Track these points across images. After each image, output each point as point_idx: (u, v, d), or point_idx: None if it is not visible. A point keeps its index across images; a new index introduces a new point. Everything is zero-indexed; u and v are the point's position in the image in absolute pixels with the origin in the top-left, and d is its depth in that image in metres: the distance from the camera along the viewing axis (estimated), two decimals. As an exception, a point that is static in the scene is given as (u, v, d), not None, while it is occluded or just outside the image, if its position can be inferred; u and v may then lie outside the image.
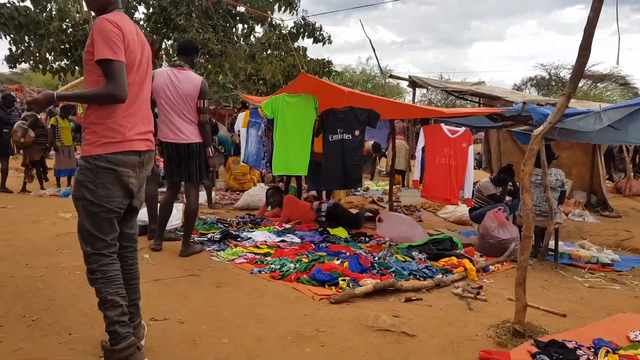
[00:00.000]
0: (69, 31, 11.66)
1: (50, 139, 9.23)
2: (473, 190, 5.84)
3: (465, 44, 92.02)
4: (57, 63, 12.41)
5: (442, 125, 5.54)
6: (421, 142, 5.64)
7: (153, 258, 4.69)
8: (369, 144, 11.41)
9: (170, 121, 4.59)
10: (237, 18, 11.58)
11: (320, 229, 6.34)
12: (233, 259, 4.72)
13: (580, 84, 32.25)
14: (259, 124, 6.92)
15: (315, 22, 12.62)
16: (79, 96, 2.51)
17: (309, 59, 12.10)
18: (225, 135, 10.33)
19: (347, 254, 5.07)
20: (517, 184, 7.06)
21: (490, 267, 4.79)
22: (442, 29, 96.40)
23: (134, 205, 2.68)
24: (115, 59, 2.32)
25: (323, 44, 13.02)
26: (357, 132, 5.80)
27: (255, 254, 4.91)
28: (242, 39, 12.48)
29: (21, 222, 6.14)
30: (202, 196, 7.54)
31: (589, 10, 2.67)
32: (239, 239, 5.50)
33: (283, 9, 12.26)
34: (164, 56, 12.04)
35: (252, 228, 6.33)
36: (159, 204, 5.25)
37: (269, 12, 11.74)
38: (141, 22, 11.85)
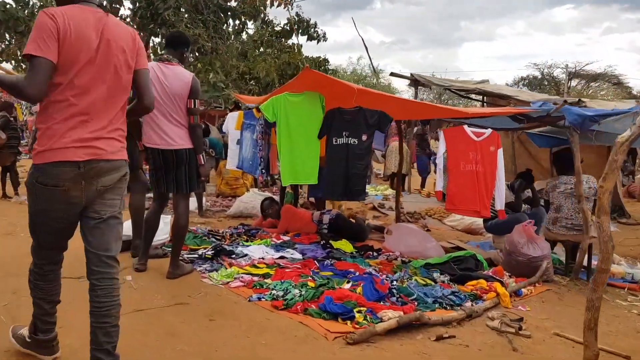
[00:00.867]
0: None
1: (31, 142, 8.53)
2: None
3: (455, 44, 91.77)
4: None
5: (465, 127, 4.93)
6: (442, 148, 5.02)
7: (136, 280, 4.07)
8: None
9: (155, 124, 3.97)
10: (229, 13, 10.97)
11: (322, 242, 5.76)
12: (228, 282, 4.10)
13: (573, 84, 32.14)
14: (253, 126, 6.31)
15: (310, 19, 12.03)
16: (3, 81, 2.23)
17: (304, 57, 11.49)
18: (216, 138, 9.73)
19: (357, 273, 4.48)
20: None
21: (523, 290, 4.21)
22: (431, 29, 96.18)
23: (92, 218, 2.36)
24: (37, 55, 2.11)
25: (318, 42, 12.45)
26: (364, 137, 5.17)
27: (253, 275, 4.29)
28: (233, 35, 11.85)
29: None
30: (193, 203, 6.94)
31: None
32: (233, 256, 4.88)
33: (276, 4, 11.66)
34: (151, 54, 11.41)
35: (247, 241, 5.73)
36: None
37: (262, 8, 11.14)
38: (127, 20, 11.22)
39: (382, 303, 3.63)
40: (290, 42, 12.61)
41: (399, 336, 3.17)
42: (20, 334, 2.67)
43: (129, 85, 2.47)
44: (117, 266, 2.48)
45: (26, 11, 11.10)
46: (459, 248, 5.96)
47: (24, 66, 11.81)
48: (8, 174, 8.59)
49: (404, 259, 5.22)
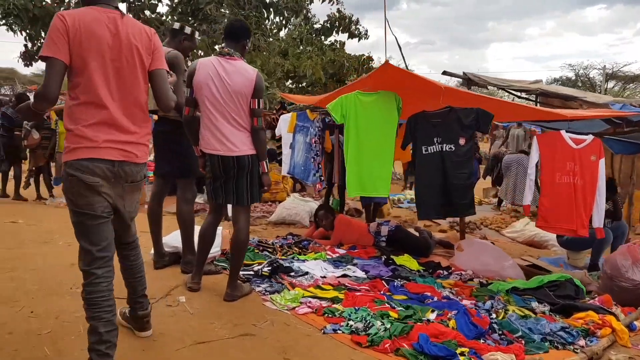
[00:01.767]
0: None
1: (52, 144, 8.17)
2: None
3: (482, 45, 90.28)
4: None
5: (563, 132, 4.31)
6: (534, 156, 4.40)
7: (191, 302, 3.61)
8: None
9: (215, 127, 3.50)
10: (271, 9, 10.51)
11: (382, 257, 5.23)
12: (294, 307, 3.61)
13: (610, 85, 31.24)
14: (307, 129, 5.83)
15: (352, 15, 11.47)
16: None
17: (347, 55, 10.97)
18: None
19: (435, 298, 3.95)
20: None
21: (636, 323, 3.61)
22: (458, 30, 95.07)
23: (122, 216, 2.53)
24: (49, 55, 2.20)
25: (359, 40, 11.89)
26: (461, 141, 4.55)
27: (320, 298, 3.79)
28: (275, 32, 11.37)
29: (31, 242, 5.16)
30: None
31: None
32: (292, 273, 4.40)
33: None
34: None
35: (300, 254, 5.25)
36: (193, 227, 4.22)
37: (306, 3, 10.63)
38: (165, 17, 10.84)
39: (482, 341, 3.08)
40: (329, 40, 12.07)
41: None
42: None
43: (146, 84, 2.52)
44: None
45: (62, 8, 10.84)
46: (535, 267, 5.37)
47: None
48: (42, 175, 8.32)
49: (480, 279, 4.67)
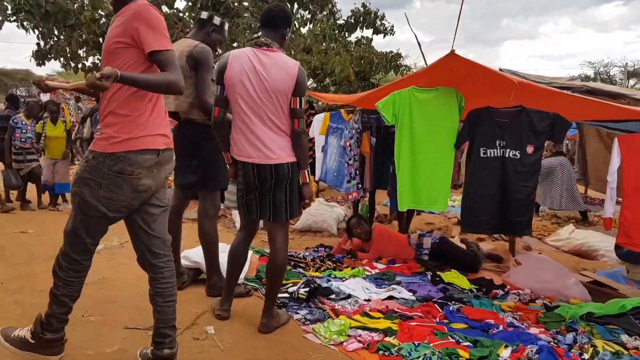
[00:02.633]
0: (101, 21, 10.24)
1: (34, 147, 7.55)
2: None
3: (496, 43, 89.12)
4: (90, 59, 11.06)
5: (650, 134, 3.72)
6: (616, 160, 3.81)
7: (220, 334, 3.12)
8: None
9: (250, 130, 2.98)
10: (295, 3, 9.97)
11: (426, 273, 4.70)
12: (341, 342, 3.08)
13: (631, 83, 30.68)
14: (341, 131, 5.30)
15: (378, 10, 10.91)
16: (143, 80, 2.17)
17: (375, 51, 10.43)
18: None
19: (500, 327, 3.40)
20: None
21: None
22: (472, 28, 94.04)
23: (157, 206, 2.47)
24: (172, 49, 2.26)
25: (384, 36, 11.33)
26: (529, 149, 3.94)
27: (371, 329, 3.26)
28: (300, 27, 10.85)
29: (41, 257, 4.72)
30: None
31: None
32: (332, 296, 3.87)
33: None
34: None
35: (334, 268, 4.74)
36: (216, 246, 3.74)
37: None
38: (183, 12, 10.38)
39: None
40: (353, 36, 11.52)
41: None
42: (16, 335, 2.46)
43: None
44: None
45: (76, 5, 10.42)
46: (597, 283, 4.78)
47: (72, 65, 11.14)
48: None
49: (542, 300, 4.11)
